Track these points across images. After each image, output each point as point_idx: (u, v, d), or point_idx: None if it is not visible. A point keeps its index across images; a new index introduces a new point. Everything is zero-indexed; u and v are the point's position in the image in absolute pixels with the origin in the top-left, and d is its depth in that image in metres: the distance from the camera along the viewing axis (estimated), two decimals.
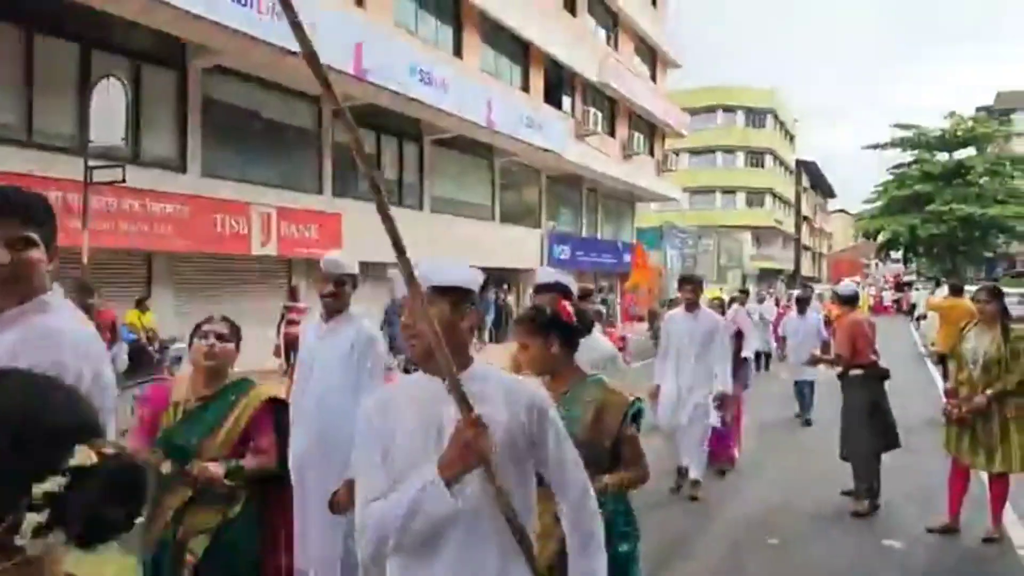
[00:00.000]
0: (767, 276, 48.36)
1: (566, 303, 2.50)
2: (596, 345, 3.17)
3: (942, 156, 44.82)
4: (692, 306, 5.77)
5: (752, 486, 6.21)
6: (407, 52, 13.52)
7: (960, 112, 44.14)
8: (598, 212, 26.09)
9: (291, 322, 11.04)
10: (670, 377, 5.68)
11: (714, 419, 5.68)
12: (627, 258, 27.00)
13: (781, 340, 12.35)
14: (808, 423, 9.00)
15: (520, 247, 20.30)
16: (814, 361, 6.83)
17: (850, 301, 5.95)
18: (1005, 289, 19.28)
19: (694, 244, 35.97)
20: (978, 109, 48.73)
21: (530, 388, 1.78)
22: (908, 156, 46.28)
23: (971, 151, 44.00)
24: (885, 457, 5.49)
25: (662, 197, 29.67)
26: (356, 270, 3.66)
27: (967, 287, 28.58)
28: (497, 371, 1.84)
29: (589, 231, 25.38)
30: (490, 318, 18.19)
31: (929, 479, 5.75)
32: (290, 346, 10.89)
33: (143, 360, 9.77)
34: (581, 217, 24.88)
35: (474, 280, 1.84)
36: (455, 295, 1.75)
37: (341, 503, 2.62)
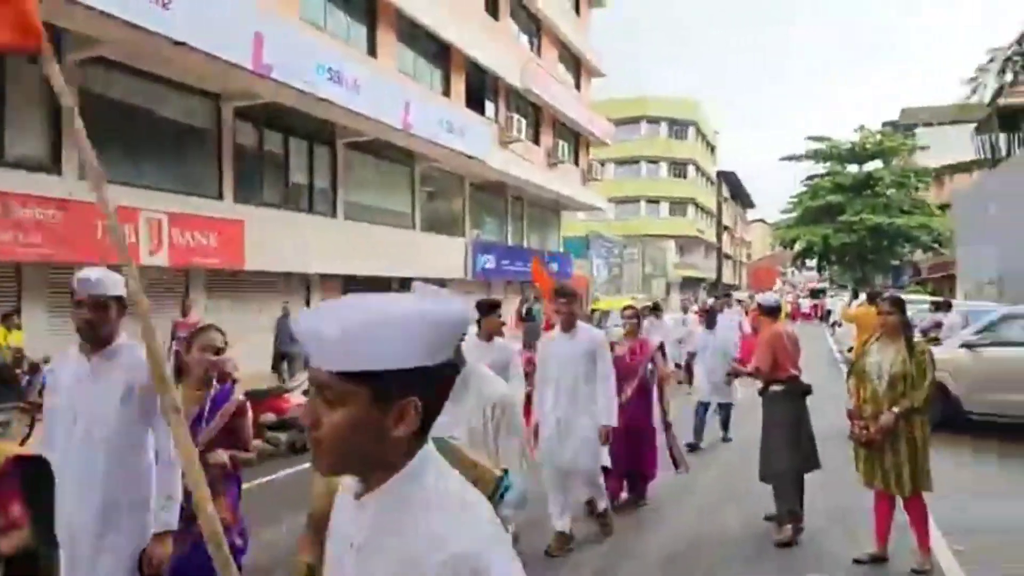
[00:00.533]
0: (690, 284, 49.28)
1: None
2: (484, 386, 2.55)
3: (852, 168, 46.84)
4: (568, 324, 4.82)
5: (670, 518, 5.73)
6: (314, 48, 12.72)
7: (869, 126, 46.24)
8: (523, 221, 25.71)
9: (182, 339, 10.07)
10: (548, 409, 4.81)
11: (604, 458, 5.02)
12: (554, 267, 26.75)
13: (687, 362, 11.44)
14: (697, 443, 8.12)
15: (443, 256, 19.66)
16: (734, 374, 6.48)
17: (772, 312, 5.59)
18: (914, 297, 19.61)
19: (619, 253, 36.15)
20: (884, 124, 51.18)
21: (445, 543, 1.03)
22: (821, 168, 48.21)
23: (879, 164, 46.17)
24: (806, 475, 5.15)
25: (588, 206, 29.60)
26: (122, 291, 2.75)
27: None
28: (429, 495, 1.08)
29: (515, 240, 24.96)
30: None
31: (851, 498, 5.45)
32: (181, 367, 9.95)
33: (3, 384, 8.65)
34: (506, 226, 24.44)
35: (427, 347, 1.05)
36: (379, 379, 1.03)
37: (156, 556, 2.57)
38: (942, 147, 44.44)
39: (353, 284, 17.06)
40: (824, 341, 24.52)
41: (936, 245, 43.59)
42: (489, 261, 21.76)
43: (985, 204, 24.50)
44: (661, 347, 6.79)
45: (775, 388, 5.20)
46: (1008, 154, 25.42)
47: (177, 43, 10.22)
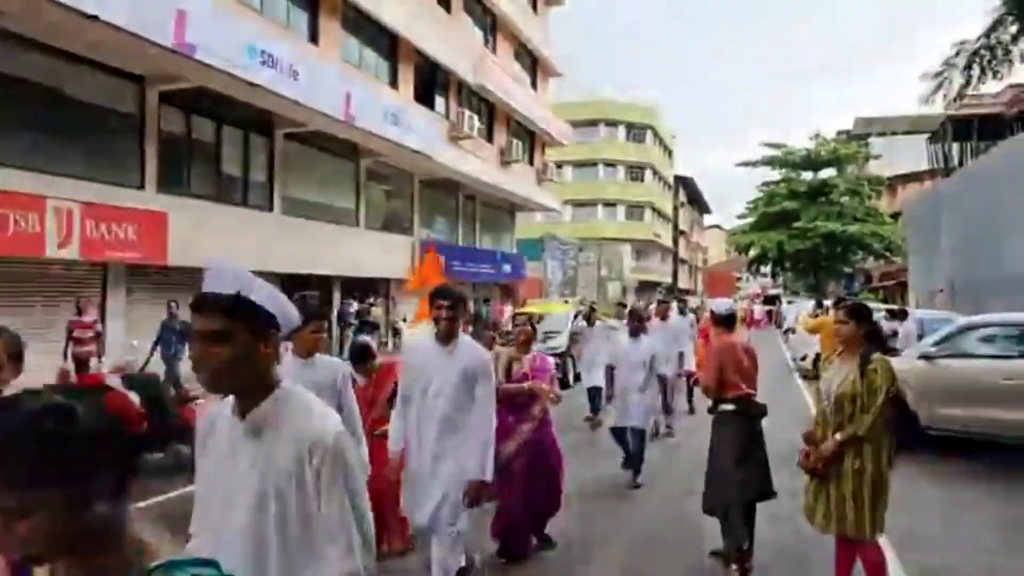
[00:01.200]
0: (646, 288, 49.21)
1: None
2: (302, 419, 1.72)
3: (807, 175, 47.37)
4: (447, 334, 3.66)
5: (602, 558, 4.93)
6: (245, 30, 11.83)
7: (823, 134, 46.84)
8: (476, 221, 25.03)
9: (77, 340, 9.15)
10: (412, 447, 3.67)
11: (462, 523, 3.65)
12: (506, 268, 26.14)
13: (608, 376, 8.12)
14: (630, 469, 6.78)
15: (389, 256, 18.86)
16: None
17: (726, 322, 4.98)
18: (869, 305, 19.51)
19: (575, 256, 35.71)
20: (838, 132, 51.98)
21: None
22: (777, 175, 48.66)
23: (833, 171, 46.82)
24: (757, 505, 4.58)
25: (543, 207, 29.09)
26: None
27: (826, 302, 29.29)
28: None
29: (466, 240, 24.26)
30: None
31: (807, 531, 4.89)
32: (80, 368, 9.03)
33: None
34: (458, 225, 23.73)
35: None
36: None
37: None
38: (895, 157, 45.33)
39: (291, 283, 16.17)
40: (778, 349, 24.37)
41: (887, 253, 44.34)
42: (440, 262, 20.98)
43: (936, 213, 24.72)
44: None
45: (724, 407, 4.62)
46: (960, 163, 25.67)
47: (89, 17, 9.31)
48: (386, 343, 18.01)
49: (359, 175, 17.94)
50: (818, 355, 15.07)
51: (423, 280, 7.85)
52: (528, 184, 26.17)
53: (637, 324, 7.04)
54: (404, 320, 18.74)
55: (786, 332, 29.79)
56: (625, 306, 11.28)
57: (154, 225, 11.84)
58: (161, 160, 12.41)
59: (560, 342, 13.69)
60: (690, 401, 10.80)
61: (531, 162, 27.45)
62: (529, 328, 5.35)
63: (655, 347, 7.10)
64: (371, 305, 17.62)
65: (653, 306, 14.33)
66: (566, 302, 16.91)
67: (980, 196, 20.74)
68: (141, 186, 12.02)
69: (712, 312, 5.25)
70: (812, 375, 15.10)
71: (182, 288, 13.20)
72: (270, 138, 14.92)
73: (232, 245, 13.42)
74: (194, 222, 12.60)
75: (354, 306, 17.42)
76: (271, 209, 14.97)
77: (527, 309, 17.28)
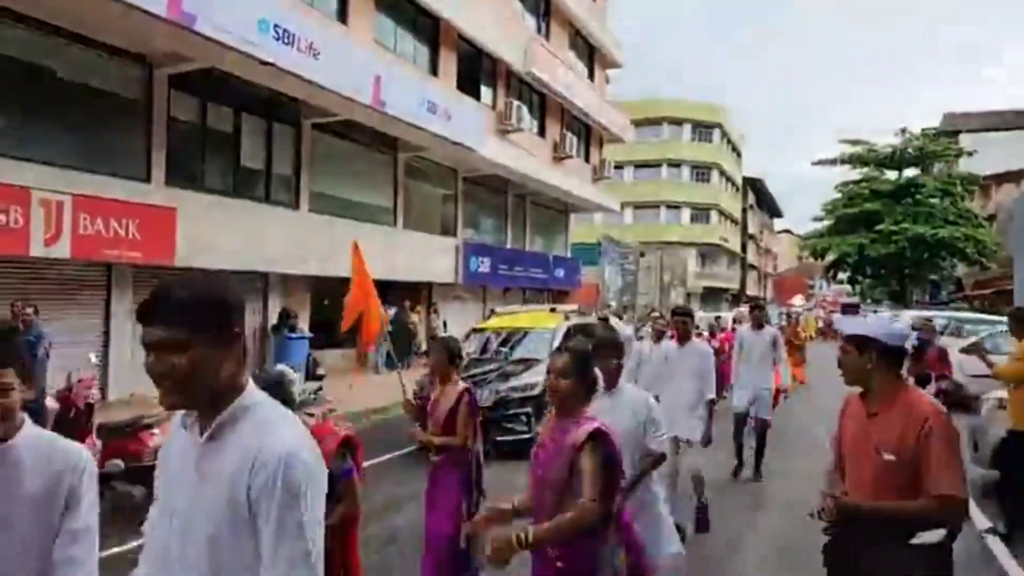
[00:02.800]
0: (712, 295, 46.63)
1: None
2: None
3: (891, 174, 43.90)
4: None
5: None
6: (256, 2, 10.56)
7: (911, 130, 43.29)
8: (526, 222, 23.44)
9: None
10: None
11: None
12: (559, 273, 24.47)
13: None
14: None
15: (429, 258, 17.46)
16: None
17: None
18: (963, 315, 16.75)
19: (634, 260, 33.71)
20: (923, 130, 48.18)
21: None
22: (856, 174, 45.27)
23: (918, 171, 43.21)
24: None
25: (599, 207, 27.26)
26: None
27: (912, 311, 26.68)
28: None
29: (515, 243, 22.70)
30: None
31: None
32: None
33: None
34: (506, 227, 22.19)
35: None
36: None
37: None
38: (987, 155, 41.44)
39: (322, 286, 14.95)
40: None
41: (982, 259, 40.49)
42: (484, 264, 19.51)
43: None
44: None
45: None
46: None
47: None
48: (423, 352, 16.58)
49: (397, 171, 16.61)
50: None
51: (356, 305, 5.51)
52: (583, 182, 24.42)
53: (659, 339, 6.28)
54: (444, 326, 17.30)
55: None
56: (660, 316, 7.63)
57: (160, 221, 10.69)
58: (170, 150, 11.29)
59: (534, 380, 8.37)
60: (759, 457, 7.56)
61: (587, 159, 25.70)
62: (443, 352, 3.97)
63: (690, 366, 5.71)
64: (407, 309, 16.24)
65: (730, 315, 12.44)
66: (553, 309, 11.65)
67: None
68: (146, 178, 10.91)
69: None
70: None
71: None
72: (297, 128, 13.72)
73: (252, 244, 12.24)
74: (208, 219, 11.44)
75: (391, 312, 16.08)
76: (297, 206, 13.74)
77: (489, 322, 11.47)
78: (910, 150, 42.21)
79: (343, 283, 15.88)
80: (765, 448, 7.55)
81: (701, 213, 49.15)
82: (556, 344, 7.70)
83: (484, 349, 10.15)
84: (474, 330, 11.10)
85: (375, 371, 15.24)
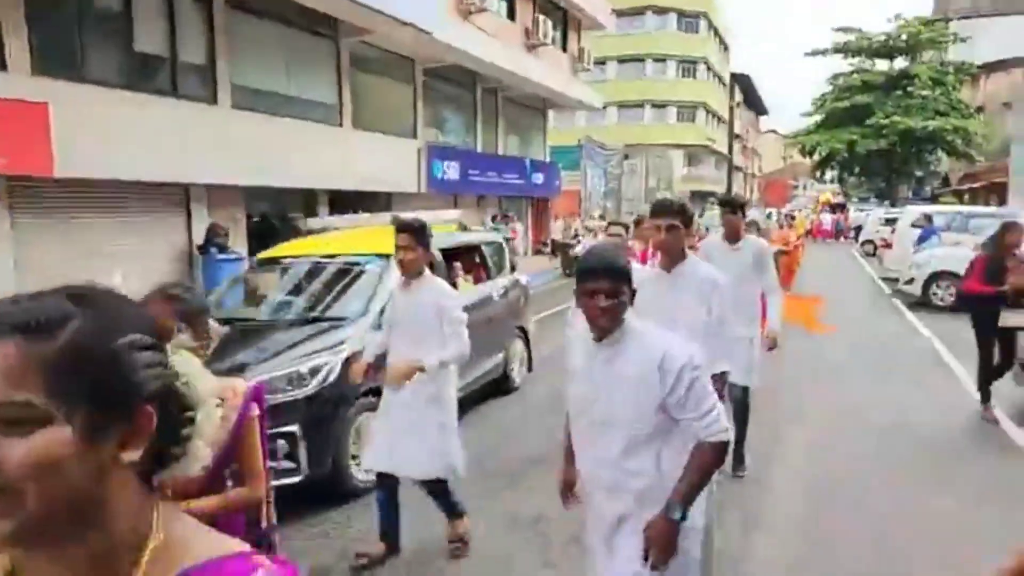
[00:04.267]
0: (698, 199, 44.78)
1: None
2: None
3: (883, 65, 41.54)
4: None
5: None
6: None
7: (906, 16, 40.51)
8: (498, 121, 21.19)
9: None
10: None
11: None
12: (537, 179, 22.46)
13: None
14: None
15: (386, 163, 15.39)
16: None
17: None
18: (956, 210, 14.93)
19: (619, 163, 31.59)
20: (916, 17, 45.24)
21: None
22: (848, 65, 42.91)
23: (910, 61, 40.82)
24: None
25: (580, 104, 24.92)
26: None
27: (896, 208, 24.97)
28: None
29: (487, 145, 20.55)
30: None
31: None
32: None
33: None
34: (476, 127, 19.97)
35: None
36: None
37: None
38: (978, 44, 39.05)
39: (259, 198, 12.98)
40: (859, 267, 20.37)
41: (970, 151, 38.79)
42: (451, 170, 17.47)
43: None
44: None
45: None
46: None
47: None
48: None
49: (340, 60, 14.28)
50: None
51: None
52: (561, 75, 22.02)
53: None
54: None
55: (864, 244, 25.69)
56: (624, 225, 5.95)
57: (26, 120, 8.57)
58: (37, 31, 9.02)
59: (322, 361, 4.61)
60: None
61: (564, 48, 23.16)
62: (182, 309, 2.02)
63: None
64: None
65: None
66: (457, 226, 7.12)
67: None
68: (2, 67, 8.71)
69: None
70: (919, 302, 11.50)
71: (96, 207, 10.14)
72: (206, 4, 11.34)
73: (159, 148, 10.17)
74: (93, 117, 9.32)
75: None
76: (215, 101, 11.54)
77: (283, 249, 6.60)
78: (903, 36, 39.65)
79: (283, 194, 13.93)
80: (747, 428, 4.92)
81: (687, 112, 46.61)
82: (388, 287, 4.70)
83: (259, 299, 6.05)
84: (261, 262, 6.42)
85: None
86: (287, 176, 12.72)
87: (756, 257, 4.66)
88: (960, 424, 5.80)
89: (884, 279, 15.61)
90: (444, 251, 6.10)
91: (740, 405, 4.70)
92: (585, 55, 23.66)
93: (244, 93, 12.06)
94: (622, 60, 44.43)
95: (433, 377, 3.57)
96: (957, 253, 11.46)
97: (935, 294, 11.35)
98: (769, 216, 23.21)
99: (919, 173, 46.29)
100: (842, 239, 33.06)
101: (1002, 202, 28.16)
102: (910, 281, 11.94)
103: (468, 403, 5.92)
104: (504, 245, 7.92)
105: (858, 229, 30.68)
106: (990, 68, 41.15)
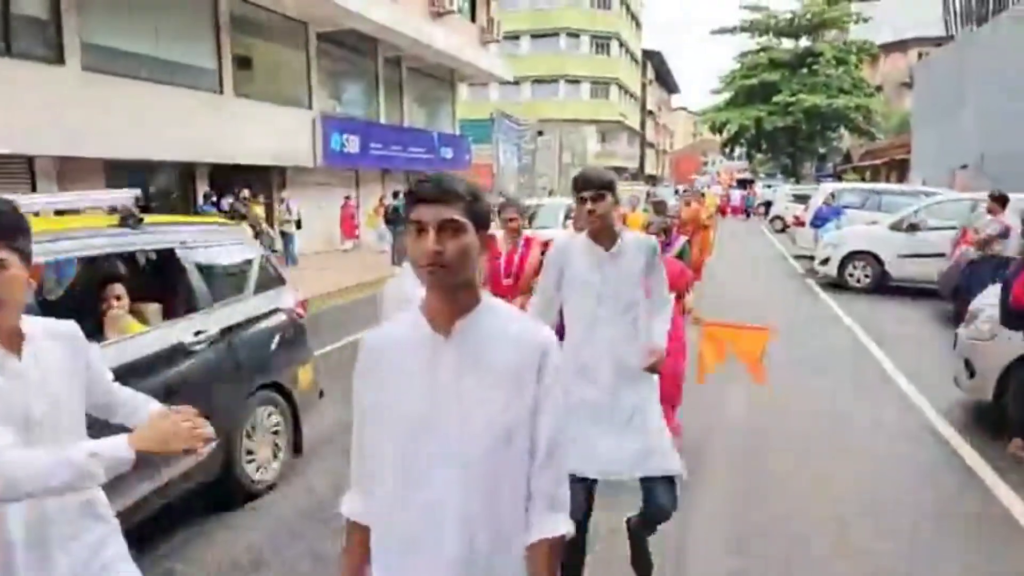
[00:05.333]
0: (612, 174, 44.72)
1: None
2: None
3: (789, 43, 42.51)
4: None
5: None
6: None
7: None
8: (402, 92, 20.00)
9: None
10: None
11: None
12: (446, 153, 21.45)
13: None
14: None
15: (276, 135, 14.07)
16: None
17: None
18: (871, 187, 14.87)
19: (532, 138, 30.83)
20: None
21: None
22: (755, 44, 43.72)
23: (814, 40, 41.92)
24: None
25: (491, 76, 24.00)
26: None
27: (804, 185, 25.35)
28: None
29: (391, 117, 19.36)
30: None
31: None
32: None
33: None
34: (378, 97, 18.74)
35: None
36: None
37: None
38: (876, 25, 40.48)
39: (125, 173, 11.48)
40: (770, 245, 20.43)
41: (871, 129, 40.34)
42: (350, 143, 16.26)
43: (960, 74, 20.44)
44: None
45: None
46: (989, 15, 21.07)
47: None
48: (274, 249, 13.65)
49: (218, 20, 12.83)
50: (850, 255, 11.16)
51: None
52: (469, 45, 20.99)
53: None
54: (298, 224, 14.24)
55: (773, 221, 26.01)
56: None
57: None
58: None
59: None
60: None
61: (473, 17, 22.12)
62: None
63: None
64: (244, 200, 13.04)
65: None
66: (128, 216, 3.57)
67: (1020, 49, 16.62)
68: None
69: None
70: (834, 283, 11.28)
71: None
72: None
73: None
74: None
75: (225, 203, 12.89)
76: (62, 61, 9.99)
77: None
78: (808, 16, 40.63)
79: (157, 169, 12.44)
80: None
81: (601, 88, 46.34)
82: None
83: None
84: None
85: None
86: (158, 148, 11.31)
87: (647, 261, 2.76)
88: (903, 436, 5.26)
89: (797, 257, 15.52)
90: (95, 264, 3.79)
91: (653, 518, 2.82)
92: (495, 26, 22.70)
93: (100, 54, 10.55)
94: (535, 35, 43.69)
95: None
96: (874, 232, 11.31)
97: (851, 275, 11.15)
98: (677, 192, 23.03)
99: (822, 150, 47.87)
100: (751, 215, 33.58)
101: (901, 178, 29.22)
102: (825, 261, 11.72)
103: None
104: (253, 249, 4.57)
105: (767, 205, 31.19)
106: (888, 48, 42.82)
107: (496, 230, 4.59)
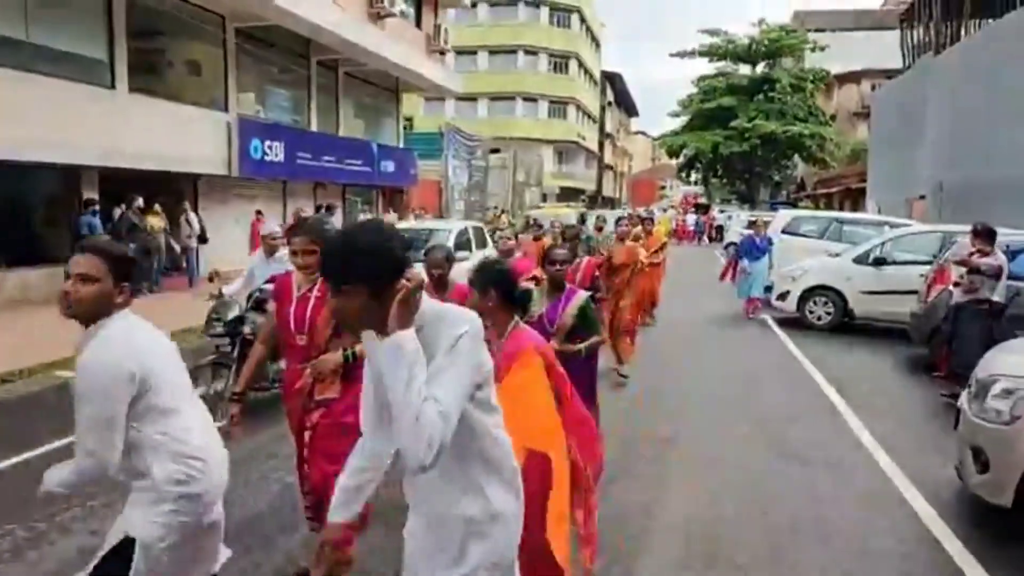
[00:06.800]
0: (568, 195, 43.90)
1: None
2: None
3: (746, 69, 42.43)
4: None
5: None
6: None
7: (768, 22, 41.50)
8: (338, 99, 18.59)
9: None
10: None
11: None
12: (387, 166, 20.08)
13: None
14: None
15: (181, 139, 12.51)
16: None
17: None
18: (832, 216, 13.71)
19: (483, 156, 29.65)
20: (780, 26, 46.67)
21: None
22: (713, 69, 43.60)
23: (771, 67, 41.93)
24: None
25: (437, 88, 22.73)
26: None
27: (759, 211, 24.50)
28: None
29: (325, 125, 17.91)
30: None
31: None
32: None
33: None
34: (309, 104, 17.28)
35: None
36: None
37: None
38: (832, 55, 40.66)
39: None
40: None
41: (825, 157, 40.31)
42: (273, 151, 14.77)
43: (921, 103, 19.95)
44: None
45: None
46: (949, 42, 20.70)
47: None
48: (166, 269, 12.08)
49: (112, 4, 11.27)
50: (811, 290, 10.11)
51: None
52: (413, 52, 19.71)
53: None
54: (199, 237, 12.67)
55: (728, 247, 25.19)
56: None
57: None
58: None
59: None
60: None
61: (419, 23, 20.89)
62: None
63: None
64: (138, 210, 11.45)
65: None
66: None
67: (978, 78, 16.11)
68: None
69: None
70: (791, 319, 10.13)
71: None
72: None
73: None
74: None
75: (117, 212, 11.30)
76: None
77: None
78: (765, 42, 40.61)
79: (29, 171, 10.76)
80: None
81: (559, 107, 45.59)
82: None
83: None
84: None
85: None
86: (29, 148, 9.68)
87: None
88: (885, 531, 4.07)
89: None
90: None
91: None
92: (441, 34, 21.48)
93: None
94: (493, 51, 42.84)
95: None
96: (836, 265, 10.27)
97: (811, 312, 10.07)
98: (619, 220, 21.88)
99: (777, 177, 47.86)
100: (704, 240, 32.91)
101: (855, 207, 28.84)
102: (783, 296, 10.63)
103: None
104: None
105: (718, 229, 30.55)
106: (842, 79, 43.07)
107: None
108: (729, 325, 10.74)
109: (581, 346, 3.65)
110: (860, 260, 9.97)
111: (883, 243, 10.00)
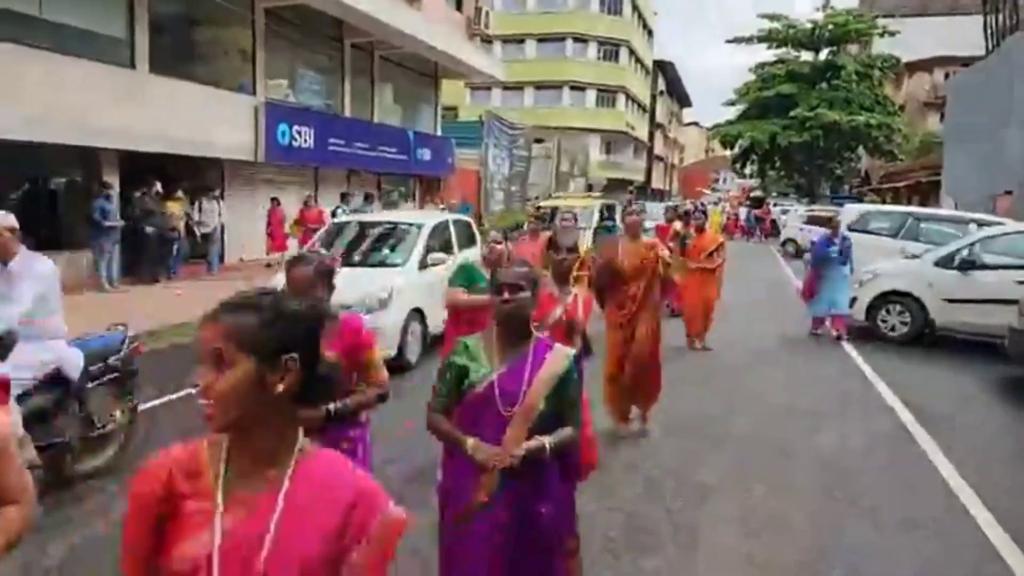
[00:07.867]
0: (615, 186, 42.63)
1: None
2: None
3: (808, 55, 40.30)
4: None
5: None
6: None
7: (833, 5, 39.27)
8: (374, 84, 17.90)
9: None
10: None
11: None
12: (423, 155, 19.35)
13: None
14: None
15: (205, 122, 11.95)
16: None
17: None
18: (907, 211, 12.10)
19: (526, 145, 28.67)
20: (847, 10, 44.31)
21: None
22: (772, 55, 41.60)
23: (835, 53, 39.72)
24: None
25: (478, 72, 21.87)
26: None
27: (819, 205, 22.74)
28: None
29: (359, 111, 17.25)
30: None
31: None
32: None
33: None
34: (343, 89, 16.63)
35: None
36: None
37: None
38: (902, 42, 38.31)
39: (11, 155, 9.44)
40: (780, 272, 18.06)
41: (893, 149, 38.01)
42: (303, 137, 14.14)
43: (1008, 88, 18.19)
44: None
45: None
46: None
47: None
48: (197, 255, 11.56)
49: None
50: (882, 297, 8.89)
51: None
52: (453, 36, 18.89)
53: None
54: (220, 228, 12.12)
55: (785, 244, 23.75)
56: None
57: None
58: None
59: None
60: None
61: (458, 6, 20.03)
62: None
63: None
64: (156, 195, 10.93)
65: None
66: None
67: None
68: None
69: None
70: (862, 329, 8.73)
71: None
72: None
73: None
74: None
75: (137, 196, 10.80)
76: None
77: None
78: (830, 27, 38.38)
79: (45, 153, 10.22)
80: None
81: (607, 96, 44.25)
82: None
83: None
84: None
85: (100, 288, 9.99)
86: (39, 127, 9.19)
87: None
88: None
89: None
90: None
91: None
92: (482, 17, 20.58)
93: None
94: (542, 39, 41.78)
95: None
96: (914, 269, 9.04)
97: (884, 321, 8.84)
98: (667, 210, 20.64)
99: (839, 170, 45.59)
100: (758, 236, 31.01)
101: (925, 203, 26.90)
102: (851, 302, 9.41)
103: None
104: None
105: (773, 224, 28.98)
106: (912, 67, 40.58)
107: None
108: (788, 336, 9.51)
109: (546, 442, 2.11)
110: (944, 263, 8.71)
111: (972, 244, 8.72)
